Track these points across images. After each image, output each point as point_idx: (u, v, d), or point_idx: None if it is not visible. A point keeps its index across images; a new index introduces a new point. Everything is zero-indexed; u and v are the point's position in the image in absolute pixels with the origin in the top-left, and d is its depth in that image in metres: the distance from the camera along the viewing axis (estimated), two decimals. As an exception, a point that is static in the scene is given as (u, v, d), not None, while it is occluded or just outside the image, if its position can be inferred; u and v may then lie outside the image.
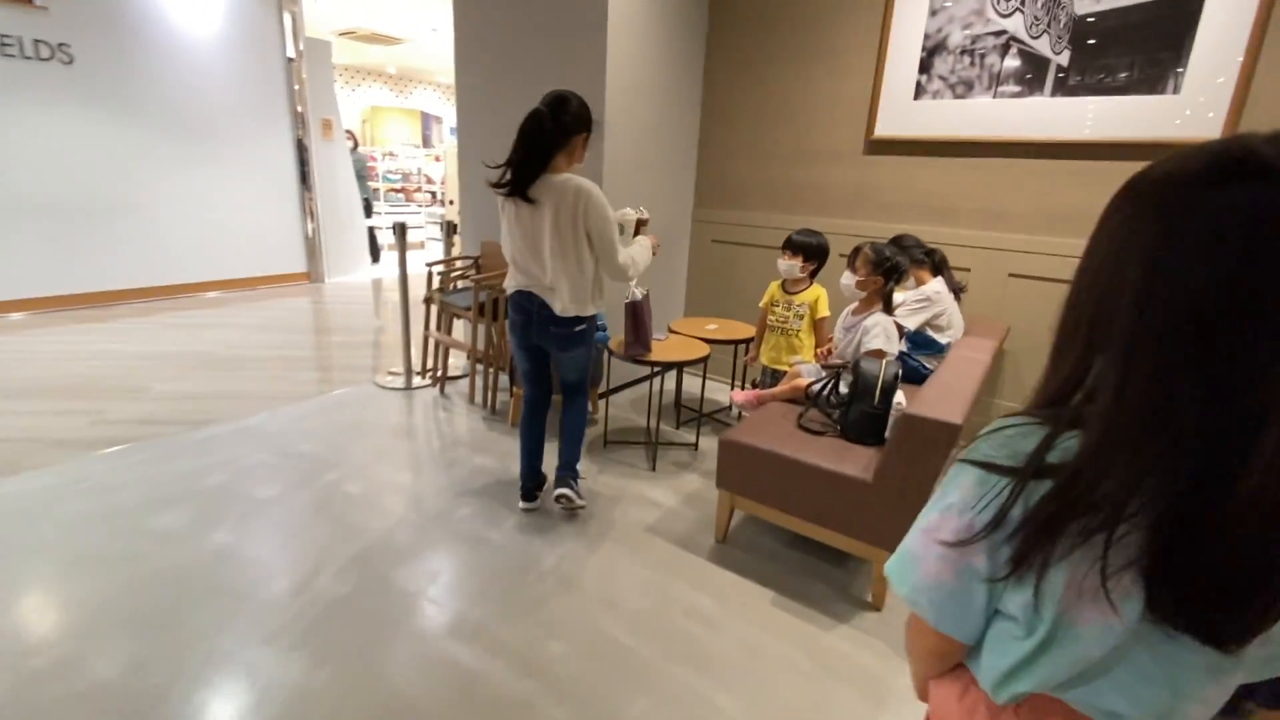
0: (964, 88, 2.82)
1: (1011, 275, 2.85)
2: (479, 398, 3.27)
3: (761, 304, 2.87)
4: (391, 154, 9.60)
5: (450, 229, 3.66)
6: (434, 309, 3.37)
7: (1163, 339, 0.46)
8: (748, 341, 2.95)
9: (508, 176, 1.89)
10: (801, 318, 2.68)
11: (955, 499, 0.56)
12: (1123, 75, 2.50)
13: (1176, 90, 2.42)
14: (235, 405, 3.14)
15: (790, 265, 2.67)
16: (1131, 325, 0.47)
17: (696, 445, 2.91)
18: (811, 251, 2.62)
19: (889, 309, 2.24)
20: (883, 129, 3.06)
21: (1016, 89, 2.71)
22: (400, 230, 3.32)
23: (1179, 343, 0.45)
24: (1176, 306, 0.45)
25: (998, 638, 0.57)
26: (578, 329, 2.02)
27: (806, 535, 1.97)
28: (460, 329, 3.65)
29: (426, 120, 10.93)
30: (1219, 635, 0.47)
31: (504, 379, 3.32)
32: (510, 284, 2.05)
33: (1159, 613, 0.48)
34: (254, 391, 3.34)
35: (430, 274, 3.41)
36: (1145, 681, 0.51)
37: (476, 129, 3.56)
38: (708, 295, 3.86)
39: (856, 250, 2.32)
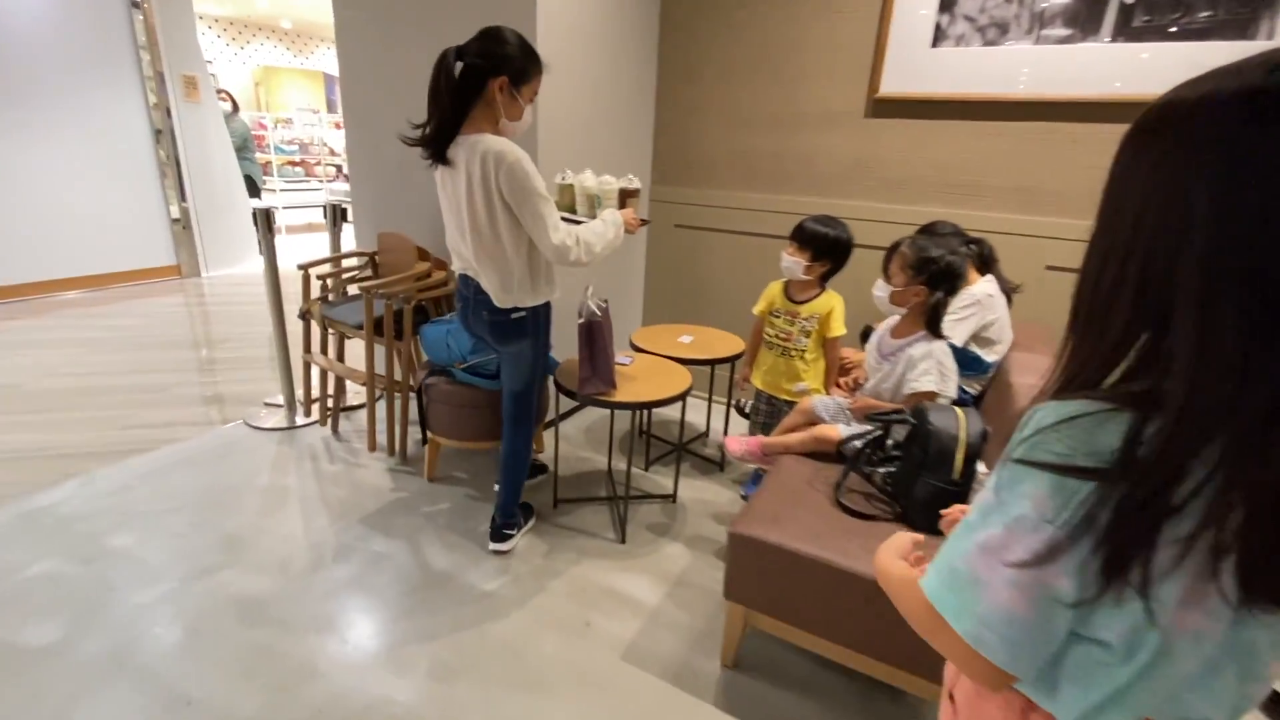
0: (997, 31, 2.23)
1: (1049, 268, 2.32)
2: (383, 440, 2.49)
3: (757, 310, 2.23)
4: (286, 121, 8.32)
5: (337, 216, 2.80)
6: (315, 325, 2.54)
7: (1247, 295, 0.40)
8: (734, 359, 2.30)
9: (426, 134, 1.54)
10: (808, 334, 2.05)
11: (1026, 510, 0.47)
12: (1204, 15, 1.96)
13: (1271, 35, 1.90)
14: (25, 472, 2.24)
15: (793, 263, 2.03)
16: (1205, 282, 0.41)
17: (674, 496, 2.26)
18: (822, 246, 1.98)
19: (936, 329, 1.63)
20: (890, 85, 2.44)
21: (1065, 32, 2.13)
22: (264, 219, 2.46)
23: (1266, 298, 0.40)
24: (1260, 257, 0.40)
25: (1082, 667, 0.49)
26: (515, 316, 1.68)
27: (852, 666, 1.37)
28: (356, 350, 2.82)
29: (330, 83, 9.60)
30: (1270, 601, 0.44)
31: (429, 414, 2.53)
32: (453, 265, 1.76)
33: (1255, 598, 0.44)
34: (62, 446, 2.43)
35: (306, 278, 2.57)
36: (1216, 673, 0.48)
37: (363, 78, 2.71)
38: (672, 294, 3.19)
39: (894, 248, 1.70)
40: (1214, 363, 0.41)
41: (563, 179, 1.96)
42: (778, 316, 2.12)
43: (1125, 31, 2.06)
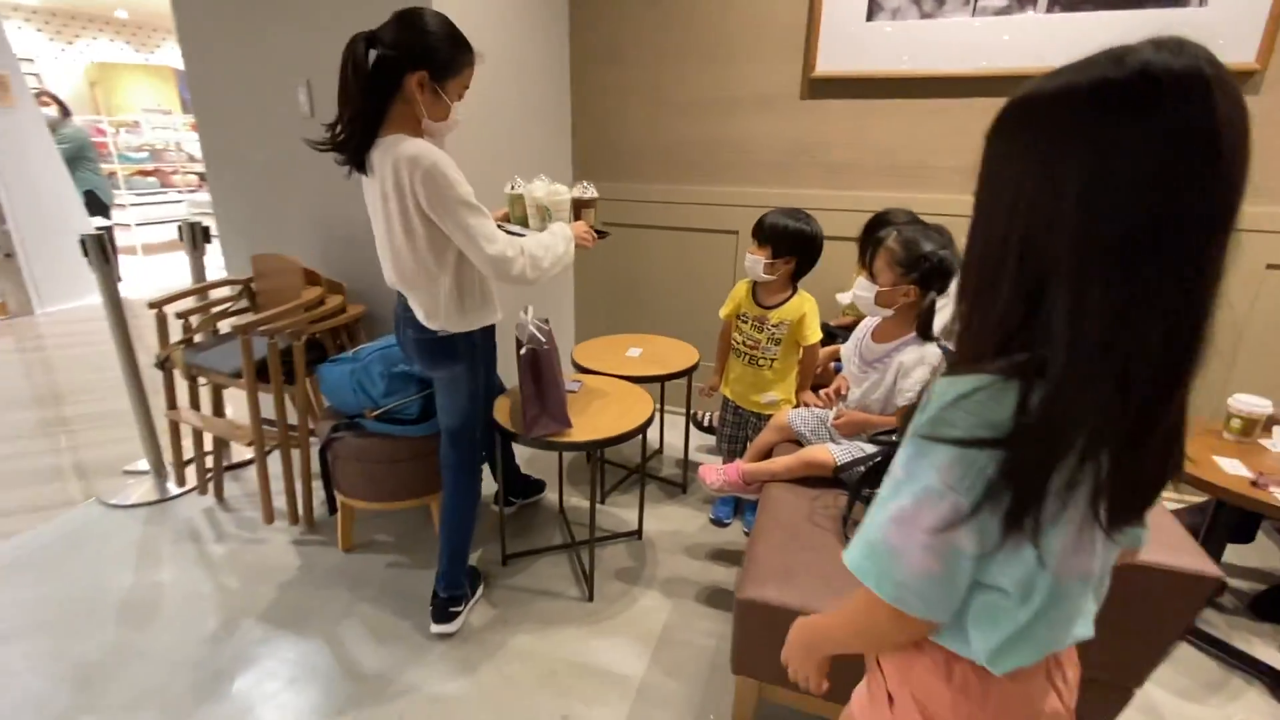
0: (933, 3, 2.11)
1: (998, 249, 2.26)
2: (281, 504, 2.06)
3: (723, 312, 2.01)
4: (131, 124, 7.24)
5: (197, 236, 2.31)
6: (178, 375, 2.06)
7: (1111, 270, 0.45)
8: (692, 370, 2.07)
9: (335, 136, 1.30)
10: (778, 342, 1.85)
11: (933, 481, 0.51)
12: (1138, -18, 1.92)
13: (1204, 2, 1.89)
14: None
15: (754, 262, 1.82)
16: (1075, 260, 0.46)
17: (640, 532, 2.01)
18: (785, 242, 1.78)
19: (928, 332, 1.47)
20: (826, 63, 2.28)
21: (1002, 4, 2.04)
22: (96, 247, 1.95)
23: (1126, 273, 0.44)
24: (1118, 234, 0.44)
25: (986, 612, 0.55)
26: (443, 335, 1.42)
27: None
28: (239, 398, 2.36)
29: (182, 79, 8.48)
30: (1124, 523, 0.53)
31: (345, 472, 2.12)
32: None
33: (1118, 522, 0.52)
34: None
35: (162, 319, 2.08)
36: (1087, 600, 0.57)
37: (214, 71, 2.24)
38: (606, 301, 2.92)
39: (873, 242, 1.52)
40: (1085, 331, 0.45)
41: (512, 188, 1.67)
42: (745, 321, 1.91)
43: (1062, 2, 1.99)
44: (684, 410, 2.39)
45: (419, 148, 1.23)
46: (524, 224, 1.66)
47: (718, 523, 2.07)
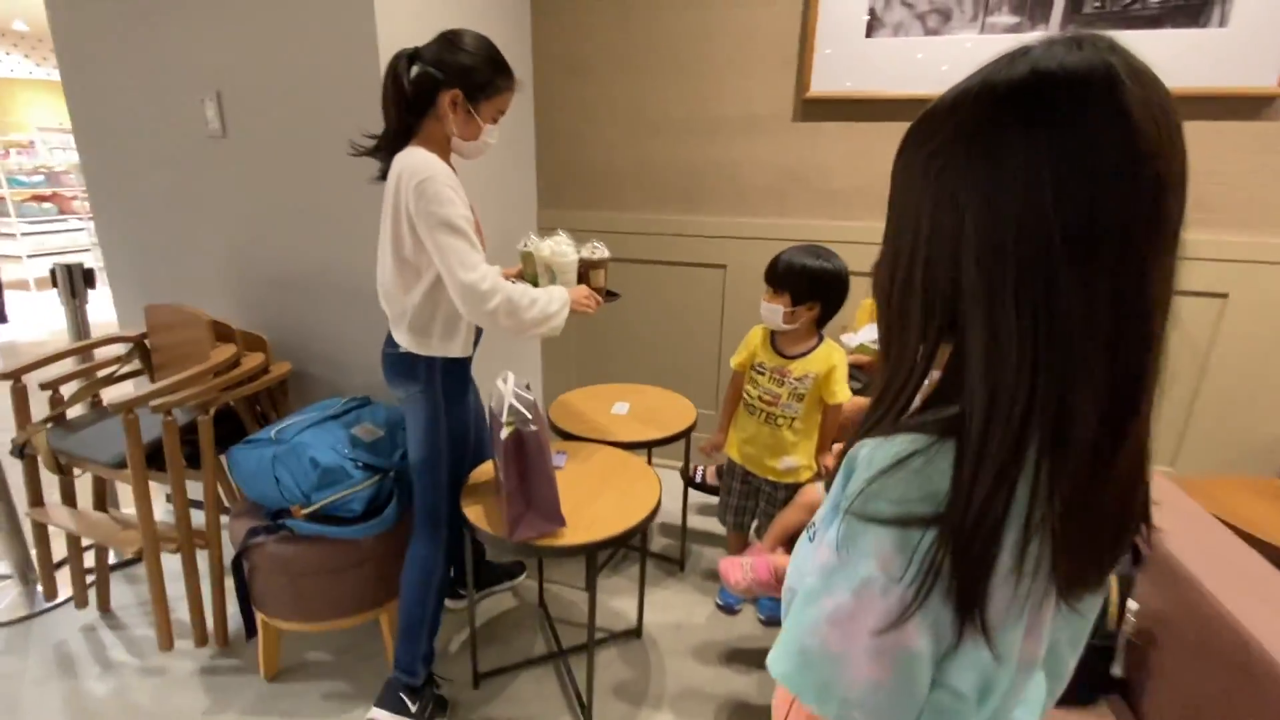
0: (939, 18, 1.93)
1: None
2: (183, 616, 1.63)
3: (735, 362, 1.73)
4: (24, 145, 6.47)
5: (74, 280, 1.86)
6: (44, 463, 1.61)
7: (1023, 291, 0.39)
8: (688, 431, 1.78)
9: (377, 144, 1.32)
10: (800, 398, 1.58)
11: (872, 571, 0.41)
12: (1156, 1, 1.79)
13: (1224, 22, 1.77)
14: None
15: (771, 311, 1.56)
16: (984, 284, 0.40)
17: (639, 630, 1.69)
18: (808, 285, 1.53)
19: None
20: (821, 82, 2.07)
21: (1013, 20, 1.89)
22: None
23: (1041, 295, 0.39)
24: (1026, 253, 0.39)
25: (937, 714, 0.44)
26: (403, 353, 1.34)
27: None
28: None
29: (86, 97, 7.72)
30: (1081, 588, 0.45)
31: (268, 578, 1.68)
32: None
33: (1072, 592, 0.44)
34: None
35: (22, 393, 1.63)
36: (1031, 680, 0.49)
37: (98, 78, 1.84)
38: (575, 345, 2.60)
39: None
40: (1004, 366, 0.40)
41: (524, 246, 1.57)
42: (761, 373, 1.63)
43: (1075, 19, 1.84)
44: (678, 465, 2.10)
45: (423, 159, 1.21)
46: (535, 284, 1.53)
47: (727, 609, 1.77)
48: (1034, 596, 0.42)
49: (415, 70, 1.23)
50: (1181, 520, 1.08)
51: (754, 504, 1.75)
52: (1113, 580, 0.95)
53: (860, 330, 2.02)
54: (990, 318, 0.40)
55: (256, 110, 1.69)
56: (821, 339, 1.57)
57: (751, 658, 1.62)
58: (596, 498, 1.36)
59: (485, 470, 1.46)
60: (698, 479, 2.21)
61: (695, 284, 2.40)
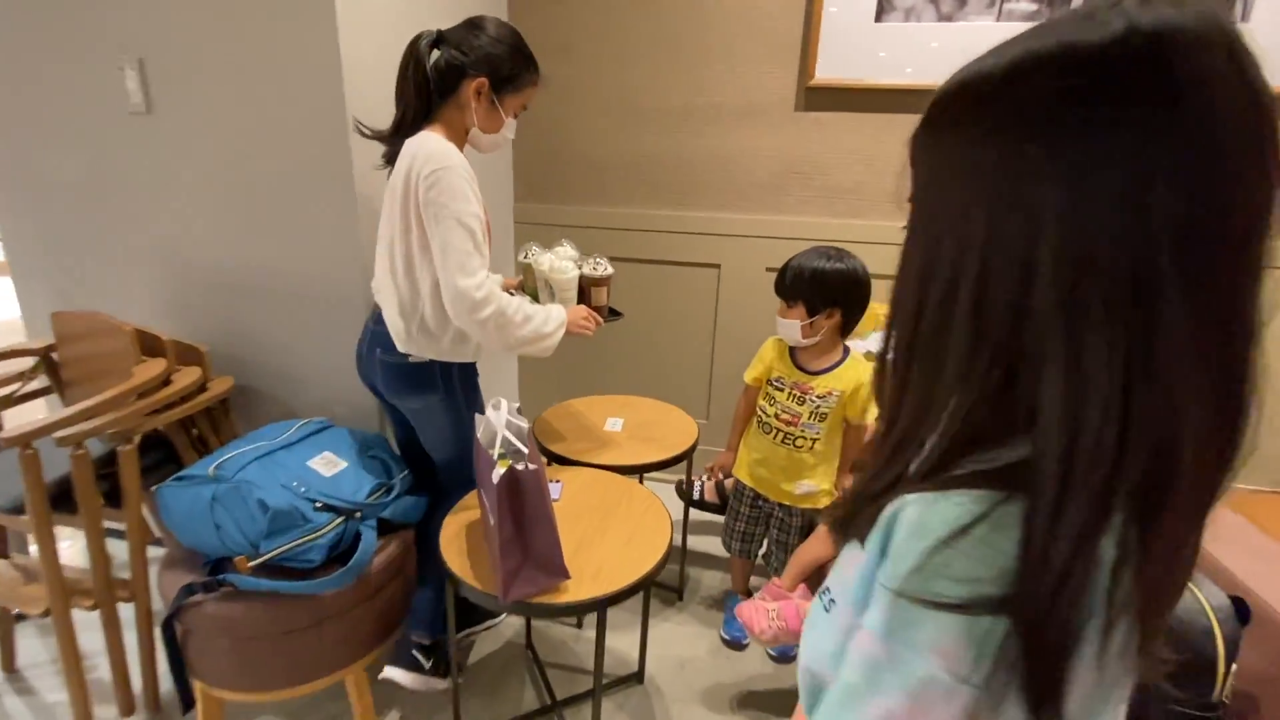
0: (953, 3, 1.80)
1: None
2: (103, 675, 1.38)
3: (749, 377, 1.56)
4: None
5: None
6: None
7: (1117, 313, 0.31)
8: (689, 453, 1.61)
9: (388, 129, 1.26)
10: (823, 418, 1.43)
11: (934, 670, 0.32)
12: (1178, -11, 1.70)
13: (1245, 17, 1.69)
14: None
15: (788, 326, 1.40)
16: (1061, 305, 0.32)
17: (641, 674, 1.51)
18: (826, 291, 1.37)
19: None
20: (827, 69, 1.92)
21: (1032, 7, 1.77)
22: None
23: (1139, 317, 0.31)
24: (1124, 264, 0.31)
25: None
26: (415, 360, 1.25)
27: None
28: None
29: None
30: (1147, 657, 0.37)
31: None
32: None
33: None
34: None
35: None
36: None
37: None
38: (557, 354, 2.38)
39: None
40: (1088, 407, 0.31)
41: (524, 257, 1.50)
42: (780, 389, 1.47)
43: (1096, 7, 1.74)
44: (674, 479, 1.93)
45: (440, 147, 1.15)
46: (535, 298, 1.47)
47: (734, 645, 1.62)
48: (1118, 682, 0.35)
49: (438, 54, 1.18)
50: (1260, 558, 0.98)
51: (763, 530, 1.60)
52: (1219, 646, 0.82)
53: (869, 336, 1.89)
54: (1072, 346, 0.32)
55: (187, 82, 1.44)
56: (848, 352, 1.42)
57: (765, 702, 1.47)
58: (600, 537, 1.18)
59: (468, 506, 1.27)
60: (696, 496, 2.05)
61: (687, 285, 2.24)
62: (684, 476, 1.81)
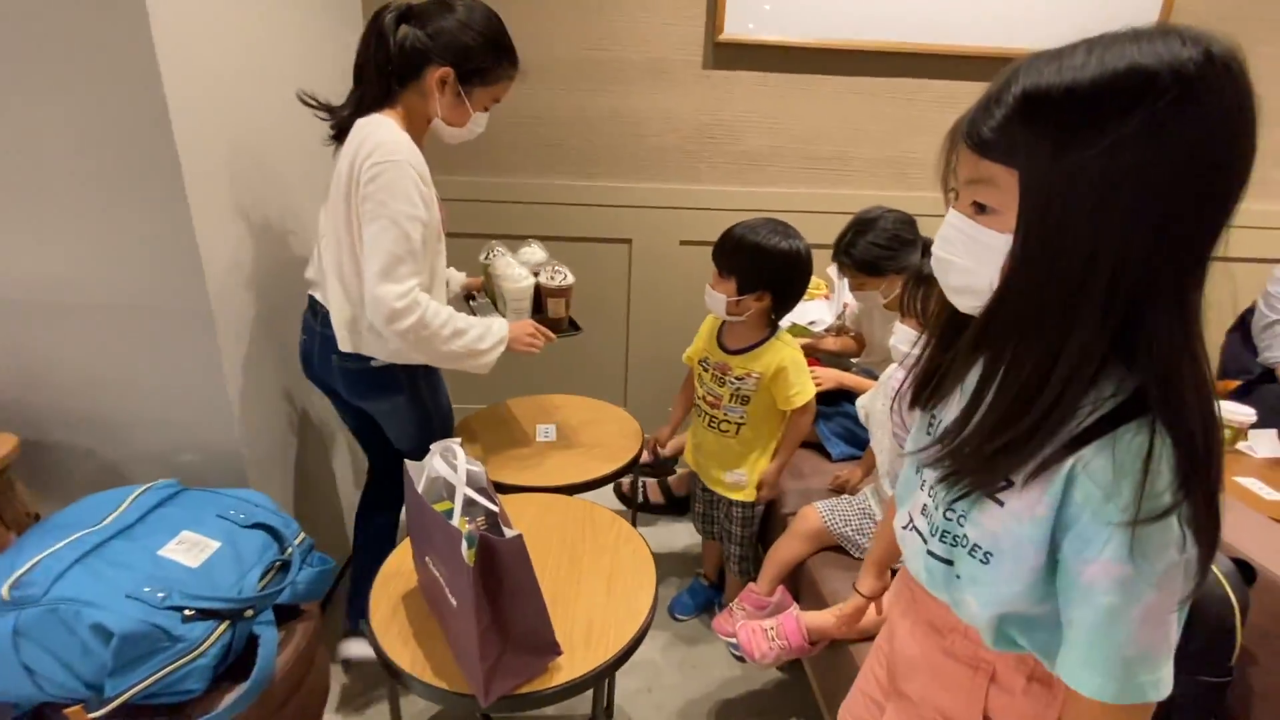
0: (863, -43, 1.73)
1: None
2: None
3: (685, 355, 1.43)
4: None
5: None
6: None
7: (1199, 265, 0.44)
8: (631, 468, 1.45)
9: (341, 105, 1.15)
10: (745, 400, 1.33)
11: (1173, 558, 0.45)
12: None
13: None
14: None
15: (715, 299, 1.28)
16: (1175, 261, 0.43)
17: (609, 708, 1.36)
18: (759, 269, 1.25)
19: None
20: (737, 24, 1.77)
21: (937, -35, 1.75)
22: None
23: (1203, 265, 0.44)
24: (1210, 229, 0.44)
25: None
26: (376, 365, 1.16)
27: None
28: None
29: None
30: None
31: None
32: (307, 272, 1.26)
33: None
34: None
35: None
36: None
37: None
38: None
39: (921, 280, 1.07)
40: (1195, 348, 0.45)
41: (485, 258, 1.40)
42: (706, 369, 1.36)
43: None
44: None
45: (392, 137, 1.05)
46: (495, 302, 1.37)
47: (680, 613, 1.51)
48: None
49: (403, 34, 1.06)
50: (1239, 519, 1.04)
51: (718, 514, 1.49)
52: (1236, 613, 0.85)
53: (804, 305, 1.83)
54: (1182, 301, 0.43)
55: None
56: (772, 333, 1.31)
57: (743, 708, 1.39)
58: (575, 585, 1.00)
59: (400, 572, 1.01)
60: (641, 497, 1.90)
61: (595, 262, 2.03)
62: (635, 481, 1.65)
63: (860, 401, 1.31)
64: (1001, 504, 0.51)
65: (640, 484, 1.75)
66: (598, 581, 1.00)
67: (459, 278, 1.49)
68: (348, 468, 1.71)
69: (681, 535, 1.91)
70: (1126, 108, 0.40)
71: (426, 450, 1.27)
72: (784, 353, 1.29)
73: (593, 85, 1.84)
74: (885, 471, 1.22)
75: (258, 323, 1.24)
